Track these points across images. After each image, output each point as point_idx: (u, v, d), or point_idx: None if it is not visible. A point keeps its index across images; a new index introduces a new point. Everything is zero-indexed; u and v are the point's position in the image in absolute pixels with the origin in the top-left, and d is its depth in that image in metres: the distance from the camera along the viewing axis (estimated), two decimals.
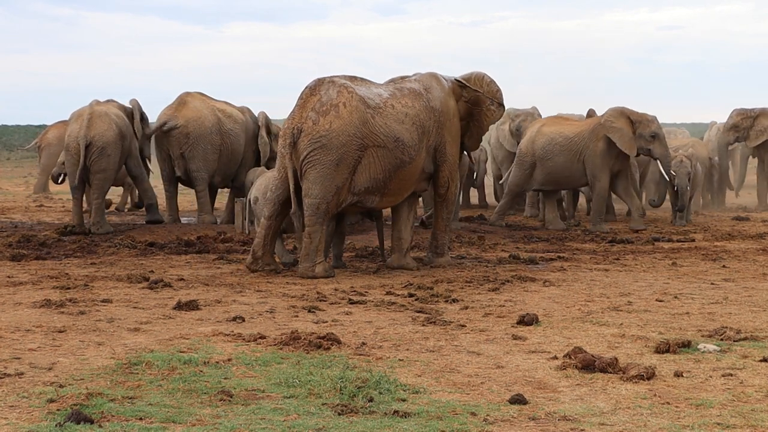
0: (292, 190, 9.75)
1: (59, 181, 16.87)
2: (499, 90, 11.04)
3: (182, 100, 15.22)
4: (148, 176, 15.89)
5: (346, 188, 9.81)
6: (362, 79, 10.32)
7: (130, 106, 15.27)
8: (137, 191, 16.90)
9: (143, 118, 15.49)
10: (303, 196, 9.79)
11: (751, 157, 22.14)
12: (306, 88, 10.02)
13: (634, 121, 15.07)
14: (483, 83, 10.98)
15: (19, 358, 5.81)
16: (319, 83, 9.98)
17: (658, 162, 15.58)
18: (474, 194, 21.35)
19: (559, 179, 15.65)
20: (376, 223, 11.04)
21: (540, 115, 18.20)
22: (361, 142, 9.76)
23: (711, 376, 5.61)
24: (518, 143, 17.86)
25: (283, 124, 10.23)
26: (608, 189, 15.40)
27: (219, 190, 16.63)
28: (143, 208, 17.45)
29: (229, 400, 4.94)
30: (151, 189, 15.48)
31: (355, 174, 9.83)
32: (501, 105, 11.06)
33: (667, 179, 15.97)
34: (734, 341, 6.56)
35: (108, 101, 15.05)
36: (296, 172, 9.83)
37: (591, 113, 17.78)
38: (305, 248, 9.77)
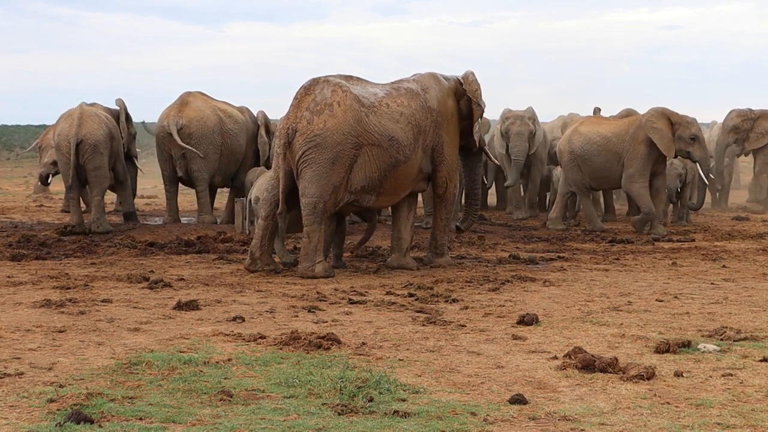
0: (281, 190, 9.78)
1: (48, 182, 16.92)
2: (478, 89, 10.88)
3: (184, 100, 15.25)
4: (136, 174, 16.15)
5: (343, 187, 9.82)
6: (358, 79, 10.31)
7: (117, 107, 15.34)
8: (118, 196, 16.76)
9: (128, 118, 15.54)
10: (300, 196, 9.80)
11: (738, 156, 22.09)
12: (301, 87, 10.04)
13: (674, 122, 14.67)
14: (466, 82, 10.93)
15: (19, 358, 5.81)
16: (314, 83, 10.00)
17: (697, 165, 15.19)
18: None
19: (599, 179, 15.34)
20: (369, 223, 11.05)
21: (536, 117, 17.96)
22: (356, 141, 9.76)
23: (711, 376, 5.61)
24: (507, 145, 17.51)
25: (278, 124, 10.25)
26: (649, 189, 14.84)
27: (218, 190, 16.70)
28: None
29: (229, 400, 4.94)
30: (131, 197, 15.65)
31: (351, 172, 9.83)
32: (478, 104, 10.94)
33: (706, 183, 15.67)
34: (734, 341, 6.56)
35: (93, 104, 15.12)
36: (290, 173, 9.85)
37: (596, 111, 17.58)
38: (304, 248, 9.78)
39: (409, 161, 10.17)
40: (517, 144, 17.43)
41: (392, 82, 10.54)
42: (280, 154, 9.84)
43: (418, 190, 10.73)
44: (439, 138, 10.50)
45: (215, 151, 15.17)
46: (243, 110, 16.01)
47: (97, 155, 13.97)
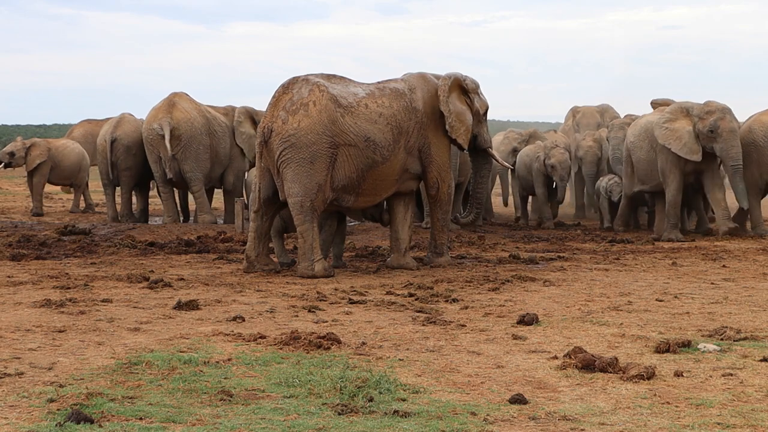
0: (257, 188, 9.80)
1: None
2: (442, 96, 10.49)
3: (171, 101, 15.27)
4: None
5: (328, 185, 9.80)
6: (341, 78, 10.27)
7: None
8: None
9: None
10: (286, 197, 9.79)
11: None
12: (280, 86, 10.05)
13: None
14: (439, 86, 10.62)
15: (19, 358, 5.81)
16: (293, 82, 10.00)
17: None
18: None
19: None
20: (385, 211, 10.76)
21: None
22: (332, 140, 9.75)
23: (711, 376, 5.61)
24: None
25: None
26: None
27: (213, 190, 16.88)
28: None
29: (229, 400, 4.94)
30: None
31: (333, 170, 9.80)
32: (447, 109, 10.70)
33: None
34: (734, 341, 6.56)
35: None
36: (267, 171, 9.90)
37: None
38: (301, 248, 9.76)
39: (387, 162, 10.10)
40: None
41: (378, 82, 10.47)
42: (258, 152, 9.90)
43: (405, 190, 10.57)
44: (425, 139, 10.43)
45: (205, 151, 15.27)
46: (228, 111, 16.09)
47: (130, 156, 15.48)
